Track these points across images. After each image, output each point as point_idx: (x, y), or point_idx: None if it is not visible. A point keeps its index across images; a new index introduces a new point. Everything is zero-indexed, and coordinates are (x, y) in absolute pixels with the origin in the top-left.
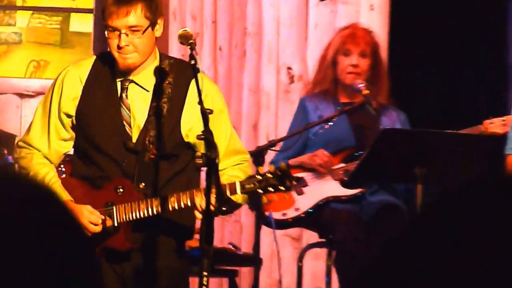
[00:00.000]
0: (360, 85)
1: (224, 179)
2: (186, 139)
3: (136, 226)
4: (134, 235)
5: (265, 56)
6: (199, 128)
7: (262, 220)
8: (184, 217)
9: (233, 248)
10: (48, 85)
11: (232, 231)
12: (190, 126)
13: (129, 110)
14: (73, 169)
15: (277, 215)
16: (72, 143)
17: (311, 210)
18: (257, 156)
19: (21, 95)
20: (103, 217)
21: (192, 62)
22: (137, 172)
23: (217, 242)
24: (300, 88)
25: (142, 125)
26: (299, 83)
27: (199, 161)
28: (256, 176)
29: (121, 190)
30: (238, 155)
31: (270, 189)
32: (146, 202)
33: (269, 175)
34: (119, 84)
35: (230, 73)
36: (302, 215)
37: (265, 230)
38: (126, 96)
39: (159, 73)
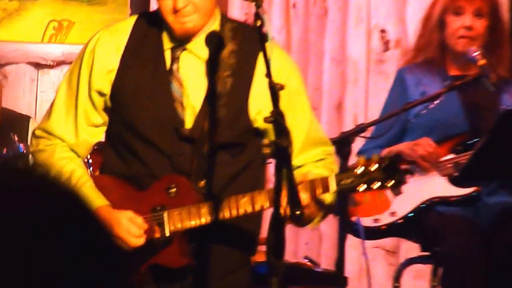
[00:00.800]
0: (475, 53)
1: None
2: (255, 124)
3: (192, 236)
4: (190, 248)
5: (352, 15)
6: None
7: (347, 227)
8: (250, 222)
9: (310, 264)
10: (71, 52)
11: (309, 241)
12: (260, 108)
13: (181, 86)
14: (105, 163)
15: (367, 221)
16: (104, 129)
17: (411, 215)
18: (342, 144)
19: (38, 65)
20: (146, 226)
21: (259, 23)
22: (195, 167)
23: (289, 256)
24: (397, 57)
25: (198, 106)
26: (396, 51)
27: (267, 150)
28: (354, 169)
29: (174, 190)
30: (320, 147)
31: (376, 184)
32: (209, 206)
33: (372, 167)
34: (168, 54)
35: (307, 37)
36: (400, 221)
37: (351, 241)
38: (178, 68)
39: (219, 38)
